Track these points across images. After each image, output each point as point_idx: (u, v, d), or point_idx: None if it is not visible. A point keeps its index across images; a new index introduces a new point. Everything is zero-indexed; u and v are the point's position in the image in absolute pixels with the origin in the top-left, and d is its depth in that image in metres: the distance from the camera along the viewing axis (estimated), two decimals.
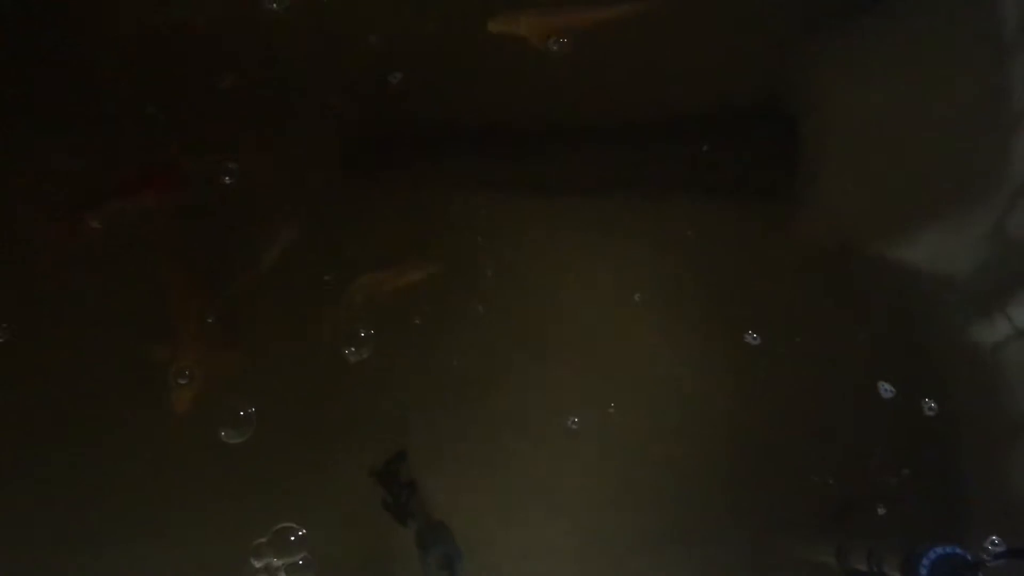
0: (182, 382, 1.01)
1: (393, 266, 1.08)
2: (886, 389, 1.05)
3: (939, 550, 0.93)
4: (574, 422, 1.04)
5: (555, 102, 1.12)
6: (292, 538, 0.99)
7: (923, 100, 1.11)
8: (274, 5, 1.11)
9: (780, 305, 1.08)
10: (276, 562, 0.98)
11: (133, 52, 1.11)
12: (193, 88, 1.09)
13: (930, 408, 1.04)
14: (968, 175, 1.10)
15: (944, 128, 1.10)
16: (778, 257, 1.10)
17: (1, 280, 1.06)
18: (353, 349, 1.03)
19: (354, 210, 1.10)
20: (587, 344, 1.07)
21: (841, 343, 1.08)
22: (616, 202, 1.11)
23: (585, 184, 1.12)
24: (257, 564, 0.98)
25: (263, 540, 0.99)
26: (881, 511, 1.03)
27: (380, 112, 1.12)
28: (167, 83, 1.10)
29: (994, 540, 0.99)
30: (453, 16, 1.12)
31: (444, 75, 1.11)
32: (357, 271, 1.06)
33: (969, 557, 0.92)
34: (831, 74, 1.11)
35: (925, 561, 0.92)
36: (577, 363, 1.07)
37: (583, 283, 1.10)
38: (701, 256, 1.09)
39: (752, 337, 1.06)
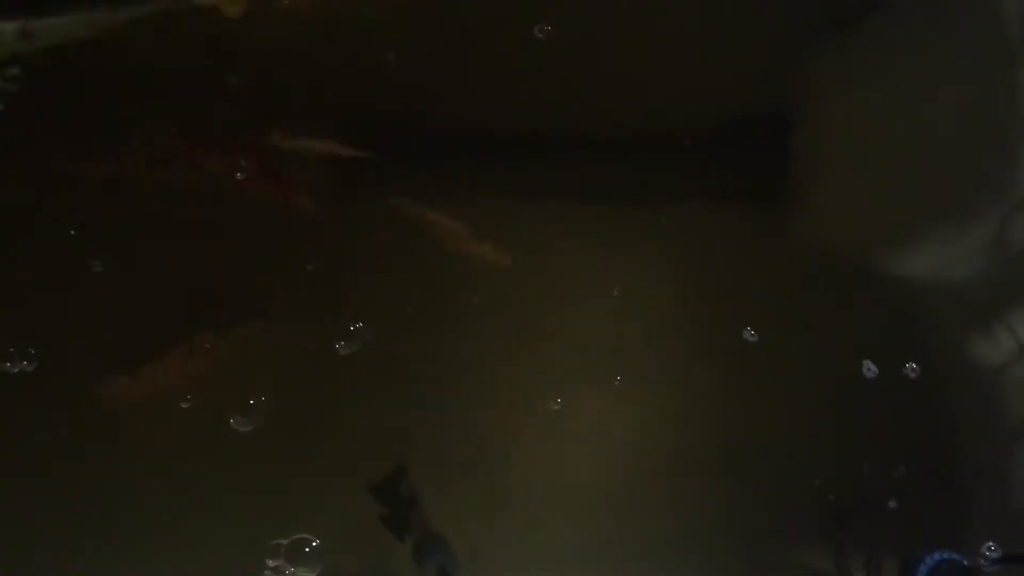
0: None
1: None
2: (881, 386, 1.05)
3: (937, 556, 0.94)
4: (562, 410, 1.04)
5: (553, 107, 1.12)
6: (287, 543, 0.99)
7: (922, 105, 1.10)
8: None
9: (777, 309, 1.08)
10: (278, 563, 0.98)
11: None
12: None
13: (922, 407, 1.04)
14: (969, 181, 1.10)
15: (944, 134, 1.10)
16: (775, 262, 1.10)
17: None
18: (343, 343, 1.03)
19: (353, 211, 1.09)
20: (585, 341, 1.07)
21: (838, 347, 1.07)
22: (612, 206, 1.11)
23: (581, 188, 1.12)
24: (272, 564, 0.98)
25: (278, 542, 0.99)
26: (879, 516, 1.03)
27: (380, 113, 1.12)
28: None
29: (991, 546, 0.99)
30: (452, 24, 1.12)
31: (443, 78, 1.11)
32: (355, 270, 1.07)
33: (966, 563, 0.92)
34: (829, 78, 1.11)
35: (923, 567, 0.92)
36: (574, 359, 1.07)
37: (581, 285, 1.09)
38: (699, 259, 1.09)
39: (750, 334, 1.06)
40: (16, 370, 1.01)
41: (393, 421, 1.04)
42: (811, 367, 1.08)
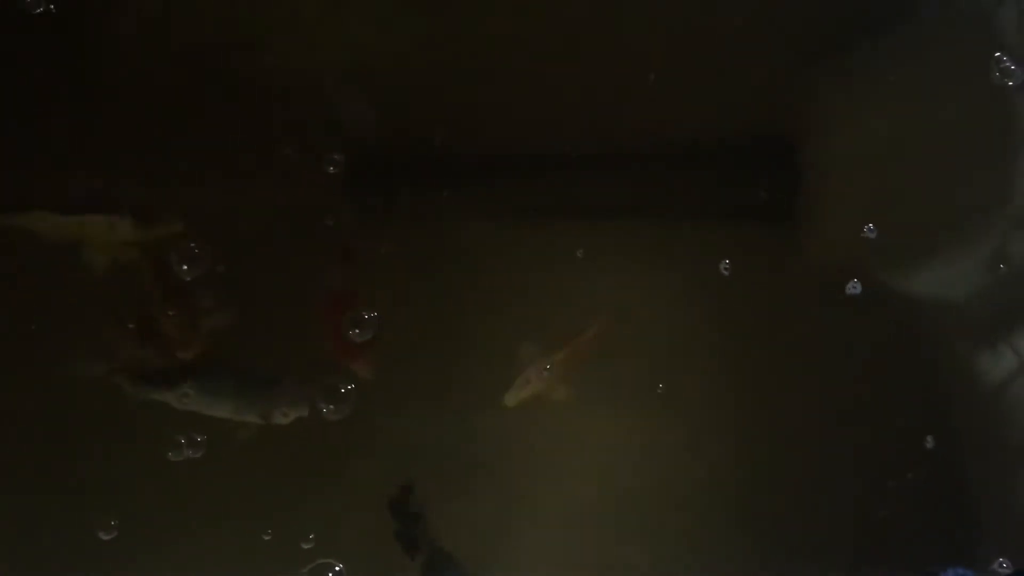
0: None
1: None
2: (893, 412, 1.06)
3: (950, 572, 0.94)
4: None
5: (560, 128, 1.11)
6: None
7: (924, 128, 1.10)
8: None
9: (784, 333, 1.08)
10: None
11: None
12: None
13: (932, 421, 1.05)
14: (969, 202, 1.10)
15: (946, 153, 1.10)
16: (781, 284, 1.10)
17: None
18: (357, 330, 1.02)
19: (358, 233, 1.08)
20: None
21: (846, 370, 1.08)
22: (617, 227, 1.11)
23: (586, 209, 1.12)
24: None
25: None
26: (890, 535, 1.03)
27: (384, 133, 1.10)
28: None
29: (1003, 562, 0.99)
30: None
31: (449, 98, 1.10)
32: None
33: None
34: (834, 101, 1.11)
35: None
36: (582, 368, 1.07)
37: (584, 302, 1.09)
38: (706, 280, 1.08)
39: (758, 346, 1.07)
40: None
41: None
42: (821, 384, 1.08)
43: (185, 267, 0.99)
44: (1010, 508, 1.06)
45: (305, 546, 0.99)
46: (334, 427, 1.02)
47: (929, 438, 1.04)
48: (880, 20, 1.09)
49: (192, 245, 1.00)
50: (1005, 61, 1.03)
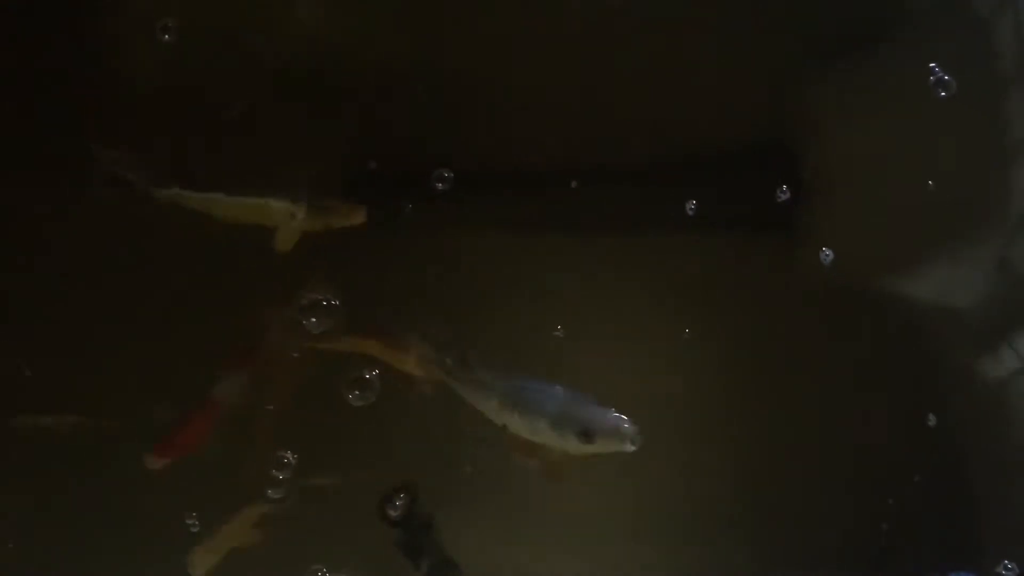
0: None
1: None
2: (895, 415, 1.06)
3: (954, 575, 0.94)
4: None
5: (557, 140, 1.12)
6: None
7: (925, 134, 1.12)
8: None
9: (786, 340, 1.09)
10: None
11: None
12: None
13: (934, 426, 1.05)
14: (971, 207, 1.12)
15: (946, 159, 1.11)
16: (782, 292, 1.11)
17: None
18: (314, 320, 1.01)
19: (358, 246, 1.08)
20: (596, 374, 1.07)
21: (847, 375, 1.09)
22: (617, 239, 1.12)
23: (585, 222, 1.12)
24: None
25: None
26: (896, 538, 1.04)
27: (386, 146, 1.11)
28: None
29: (1007, 564, 1.00)
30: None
31: (450, 112, 1.11)
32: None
33: None
34: (833, 108, 1.13)
35: None
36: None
37: (584, 316, 1.09)
38: (705, 291, 1.10)
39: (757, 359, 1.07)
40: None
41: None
42: (822, 388, 1.09)
43: (314, 320, 0.97)
44: (1014, 510, 1.07)
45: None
46: (336, 431, 1.02)
47: (931, 437, 1.05)
48: (878, 25, 1.11)
49: (321, 299, 0.97)
50: (938, 72, 1.04)
